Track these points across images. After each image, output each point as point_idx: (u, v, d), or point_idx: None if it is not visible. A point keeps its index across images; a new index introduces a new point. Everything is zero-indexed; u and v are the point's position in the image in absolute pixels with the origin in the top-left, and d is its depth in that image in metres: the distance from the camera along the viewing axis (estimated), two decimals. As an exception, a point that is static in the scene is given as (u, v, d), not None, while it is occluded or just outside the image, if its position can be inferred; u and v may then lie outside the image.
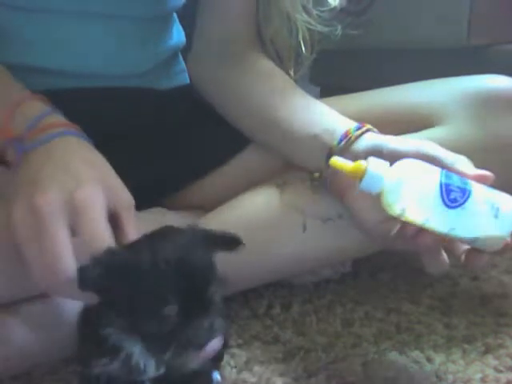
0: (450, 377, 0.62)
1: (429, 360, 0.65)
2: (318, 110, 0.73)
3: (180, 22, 0.90)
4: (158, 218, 0.73)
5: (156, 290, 0.45)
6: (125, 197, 0.54)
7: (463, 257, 0.59)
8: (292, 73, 0.84)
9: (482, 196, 0.55)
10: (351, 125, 0.67)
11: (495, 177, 0.57)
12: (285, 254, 0.72)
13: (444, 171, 0.56)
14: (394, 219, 0.57)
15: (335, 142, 0.66)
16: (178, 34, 0.89)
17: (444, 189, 0.54)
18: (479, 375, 0.62)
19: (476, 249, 0.58)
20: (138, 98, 0.81)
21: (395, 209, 0.55)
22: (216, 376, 0.57)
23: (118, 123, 0.77)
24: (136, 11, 0.80)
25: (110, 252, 0.47)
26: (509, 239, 0.56)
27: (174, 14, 0.89)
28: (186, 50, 0.89)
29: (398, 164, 0.56)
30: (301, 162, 0.73)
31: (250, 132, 0.79)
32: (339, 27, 0.79)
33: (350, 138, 0.66)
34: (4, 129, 0.57)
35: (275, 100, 0.75)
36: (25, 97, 0.60)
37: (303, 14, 0.79)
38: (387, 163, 0.56)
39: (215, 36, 0.82)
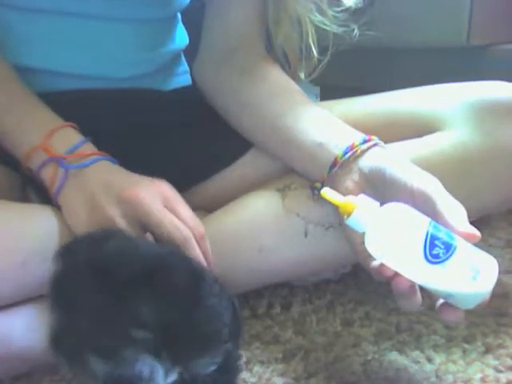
0: (450, 377, 0.62)
1: (429, 360, 0.65)
2: (325, 119, 0.72)
3: (183, 24, 0.90)
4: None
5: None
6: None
7: (437, 306, 0.58)
8: (303, 76, 0.83)
9: (465, 256, 0.54)
10: (357, 137, 0.66)
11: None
12: (286, 259, 0.71)
13: (433, 223, 0.55)
14: None
15: (340, 153, 0.65)
16: (180, 36, 0.89)
17: (429, 243, 0.53)
18: (479, 375, 0.62)
19: (450, 304, 0.57)
20: (139, 99, 0.81)
21: (374, 251, 0.56)
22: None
23: (119, 125, 0.76)
24: (141, 14, 0.79)
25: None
26: (485, 300, 0.56)
27: (178, 15, 0.88)
28: (189, 52, 0.89)
29: (387, 208, 0.56)
30: (303, 169, 0.72)
31: (253, 137, 0.78)
32: (355, 28, 0.78)
33: (356, 151, 0.65)
34: (43, 146, 0.65)
35: (281, 107, 0.74)
36: (61, 124, 0.68)
37: (317, 15, 0.78)
38: (377, 204, 0.56)
39: (220, 44, 0.81)
